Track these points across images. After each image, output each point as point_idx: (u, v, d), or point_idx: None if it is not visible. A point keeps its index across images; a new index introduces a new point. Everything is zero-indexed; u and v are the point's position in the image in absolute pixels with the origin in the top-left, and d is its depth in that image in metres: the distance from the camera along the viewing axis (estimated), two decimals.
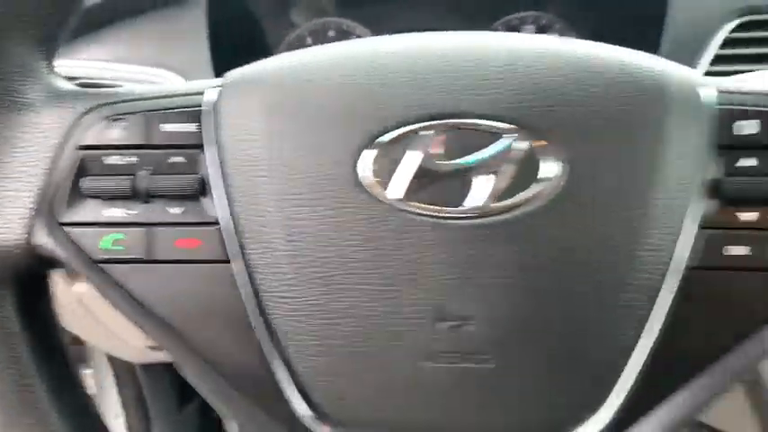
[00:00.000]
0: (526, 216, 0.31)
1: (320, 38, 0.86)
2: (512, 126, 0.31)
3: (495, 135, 0.32)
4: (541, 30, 0.85)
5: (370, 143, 0.32)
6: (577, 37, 0.84)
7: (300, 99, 0.33)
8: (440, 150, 0.32)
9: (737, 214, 0.33)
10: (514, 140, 0.31)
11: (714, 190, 0.33)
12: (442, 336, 0.32)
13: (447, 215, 0.31)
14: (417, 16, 0.86)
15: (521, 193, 0.31)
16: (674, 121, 0.33)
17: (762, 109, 0.33)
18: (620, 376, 0.33)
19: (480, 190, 0.31)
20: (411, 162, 0.31)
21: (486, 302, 0.32)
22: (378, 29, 0.86)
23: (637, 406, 0.34)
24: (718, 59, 0.67)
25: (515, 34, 0.35)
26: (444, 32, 0.35)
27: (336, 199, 0.32)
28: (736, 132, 0.33)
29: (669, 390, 0.34)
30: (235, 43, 0.74)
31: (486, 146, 0.31)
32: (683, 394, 0.34)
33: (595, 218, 0.32)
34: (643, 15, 0.73)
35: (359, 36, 0.86)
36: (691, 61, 0.68)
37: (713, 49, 0.67)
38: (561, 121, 0.31)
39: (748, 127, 0.33)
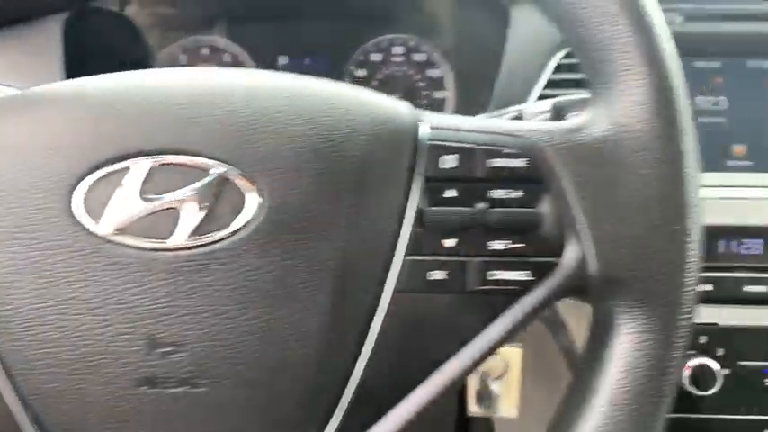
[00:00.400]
0: (228, 248, 0.33)
1: (193, 56, 0.88)
2: (217, 162, 0.34)
3: (203, 171, 0.34)
4: (410, 51, 0.88)
5: (83, 178, 0.33)
6: (440, 57, 0.88)
7: (23, 133, 0.35)
8: (150, 185, 0.34)
9: (442, 241, 0.36)
10: (220, 176, 0.34)
11: (421, 219, 0.36)
12: (157, 362, 0.34)
13: (155, 248, 0.33)
14: (292, 37, 0.89)
15: (225, 227, 0.34)
16: (384, 156, 0.35)
17: (459, 144, 0.36)
18: (338, 399, 0.36)
19: (187, 224, 0.33)
20: (122, 197, 0.33)
21: (195, 330, 0.34)
22: (252, 49, 0.88)
23: (354, 427, 0.36)
24: (550, 84, 0.71)
25: (243, 71, 0.37)
26: (177, 69, 0.38)
27: (50, 233, 0.33)
28: (441, 166, 0.36)
29: (383, 408, 0.36)
30: (96, 62, 0.75)
31: (195, 181, 0.34)
32: (395, 412, 0.36)
33: (298, 249, 0.34)
34: (487, 42, 0.77)
35: (233, 54, 0.88)
36: (529, 86, 0.72)
37: (546, 74, 0.71)
38: (264, 157, 0.34)
39: (450, 161, 0.36)
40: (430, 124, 0.37)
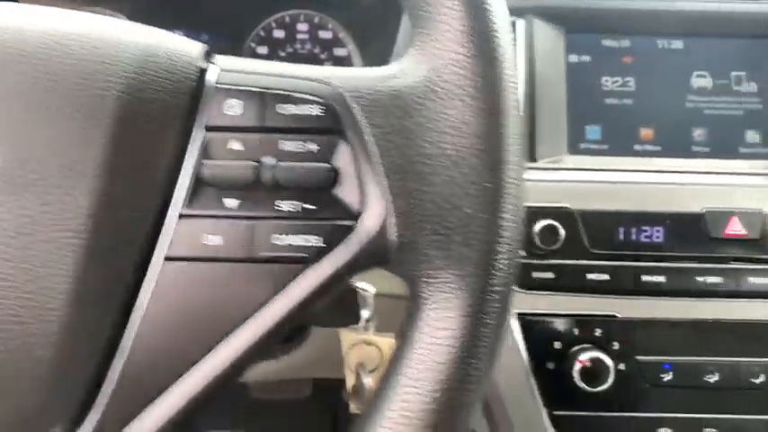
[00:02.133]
0: None
1: None
2: None
3: None
4: (315, 28, 0.83)
5: None
6: (346, 35, 0.83)
7: None
8: None
9: (223, 200, 0.30)
10: None
11: (199, 173, 0.30)
12: None
13: None
14: (189, 10, 0.83)
15: None
16: (154, 96, 0.30)
17: (246, 88, 0.31)
18: (97, 388, 0.30)
19: None
20: None
21: None
22: (144, 21, 0.82)
23: (121, 412, 0.30)
24: None
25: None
26: None
27: None
28: (225, 112, 0.31)
29: (154, 390, 0.31)
30: None
31: None
32: (169, 394, 0.31)
33: (38, 207, 0.28)
34: (391, 18, 0.72)
35: None
36: None
37: None
38: None
39: (235, 107, 0.31)
40: (221, 67, 0.32)
